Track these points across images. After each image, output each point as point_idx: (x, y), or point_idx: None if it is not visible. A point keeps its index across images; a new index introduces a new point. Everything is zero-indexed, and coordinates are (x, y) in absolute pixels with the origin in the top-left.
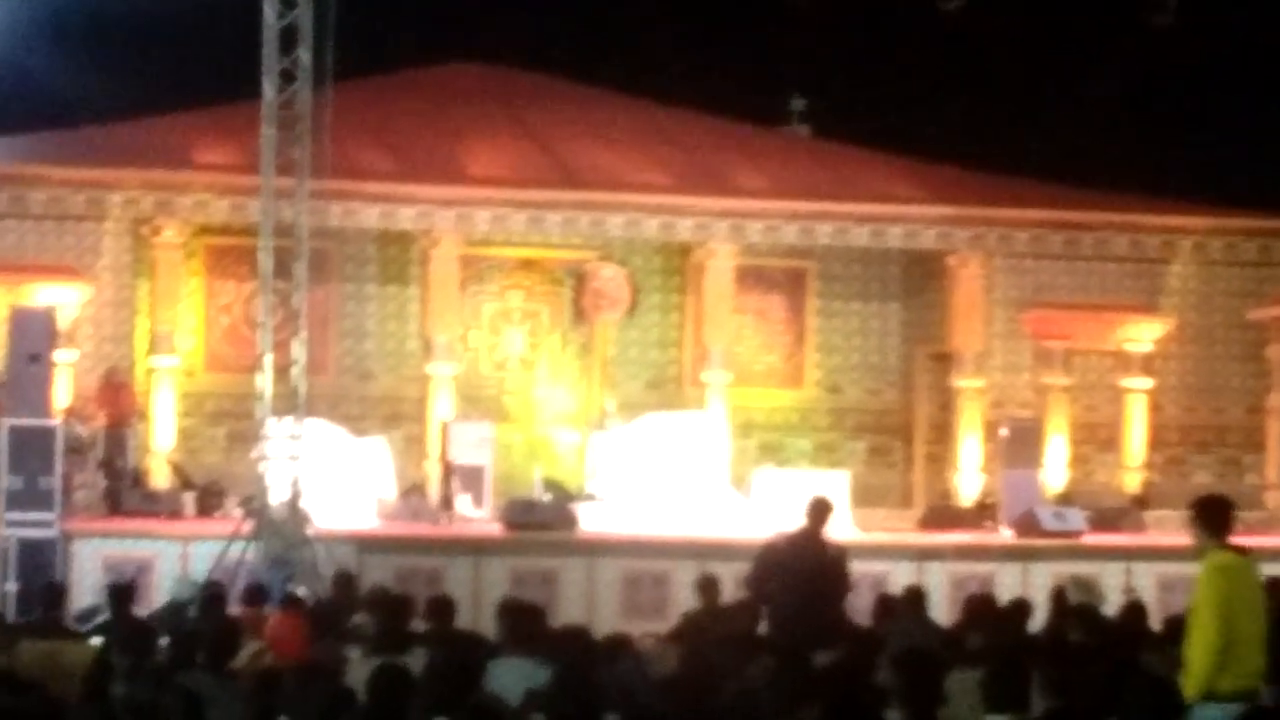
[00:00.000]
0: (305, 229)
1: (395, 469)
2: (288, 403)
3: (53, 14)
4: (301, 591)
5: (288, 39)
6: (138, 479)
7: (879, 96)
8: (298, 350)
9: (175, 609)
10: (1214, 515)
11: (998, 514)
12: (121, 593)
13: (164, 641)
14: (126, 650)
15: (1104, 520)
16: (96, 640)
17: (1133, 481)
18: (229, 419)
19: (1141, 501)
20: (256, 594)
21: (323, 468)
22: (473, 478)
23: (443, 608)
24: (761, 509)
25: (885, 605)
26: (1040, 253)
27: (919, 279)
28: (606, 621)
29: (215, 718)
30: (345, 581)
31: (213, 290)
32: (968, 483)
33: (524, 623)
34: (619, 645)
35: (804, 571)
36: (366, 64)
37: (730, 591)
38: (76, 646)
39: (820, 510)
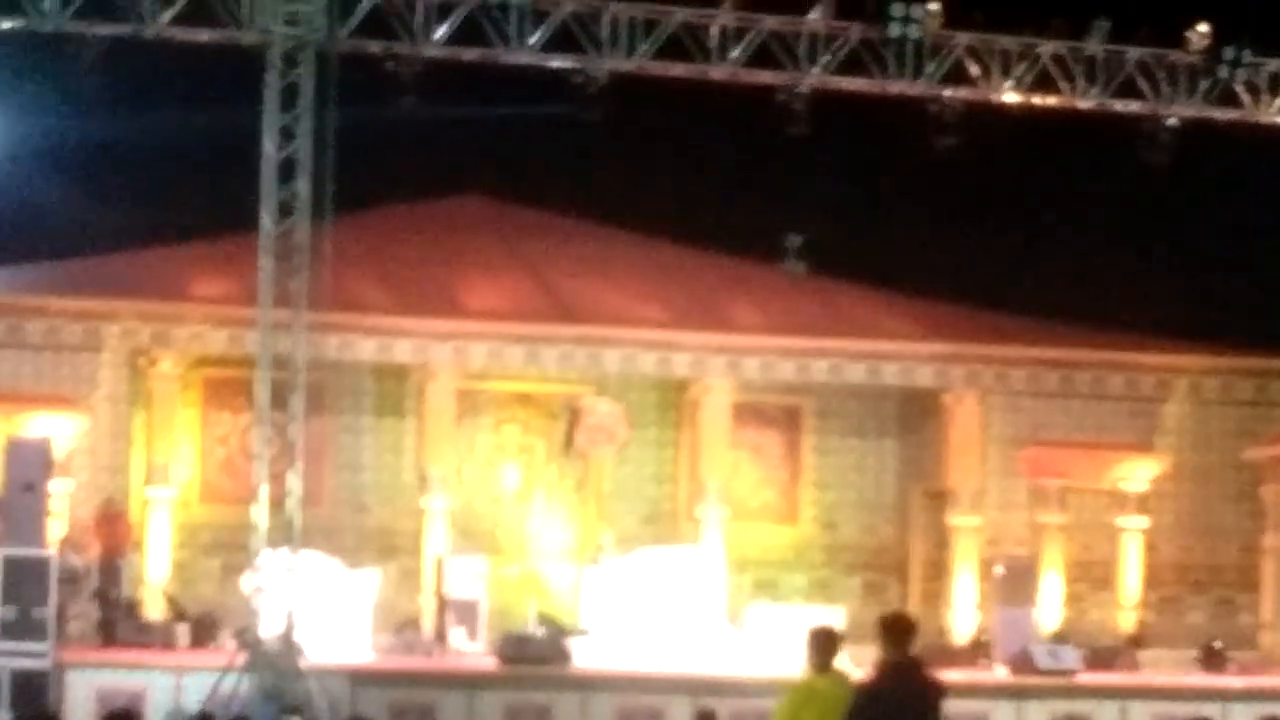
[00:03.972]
0: (302, 361)
1: (390, 602)
2: (283, 534)
3: (52, 145)
4: None
5: (286, 171)
6: (132, 610)
7: (875, 233)
8: (293, 482)
9: None
10: (817, 645)
11: (992, 652)
12: None
13: None
14: None
15: (1099, 659)
16: None
17: (1127, 620)
18: (224, 550)
19: (1136, 640)
20: None
21: (317, 600)
22: (467, 611)
23: None
24: (756, 645)
25: None
26: (1036, 391)
27: (915, 416)
28: None
29: None
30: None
31: (209, 421)
32: (963, 620)
33: None
34: None
35: None
36: (365, 197)
37: None
38: None
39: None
